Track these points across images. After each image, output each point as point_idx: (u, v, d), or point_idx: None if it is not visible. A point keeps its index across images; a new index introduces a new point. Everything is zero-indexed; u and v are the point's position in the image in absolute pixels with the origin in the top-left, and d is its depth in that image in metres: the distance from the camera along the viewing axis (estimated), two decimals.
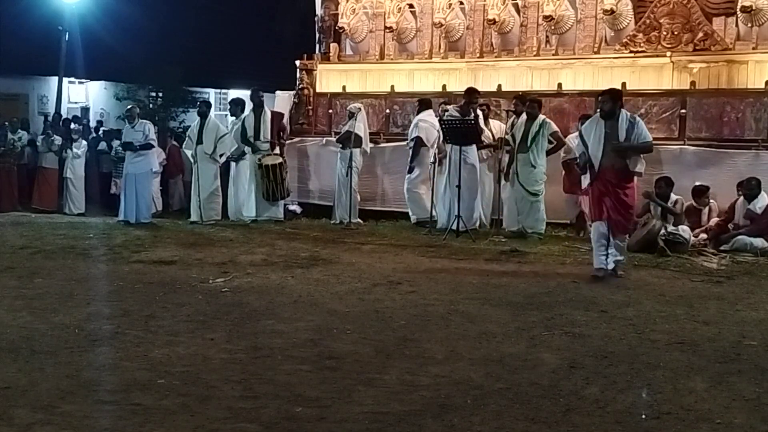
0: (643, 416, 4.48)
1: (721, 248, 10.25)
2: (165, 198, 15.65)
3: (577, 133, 11.62)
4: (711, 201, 11.09)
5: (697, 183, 11.09)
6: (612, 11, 13.19)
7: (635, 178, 8.86)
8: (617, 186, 8.63)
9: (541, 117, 11.39)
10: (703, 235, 10.74)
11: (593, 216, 8.96)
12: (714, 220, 10.87)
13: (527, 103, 11.55)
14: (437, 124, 12.24)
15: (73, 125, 16.33)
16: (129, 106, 14.00)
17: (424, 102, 12.92)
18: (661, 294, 7.74)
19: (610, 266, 8.59)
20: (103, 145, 15.75)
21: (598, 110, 8.95)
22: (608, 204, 8.60)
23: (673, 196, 10.67)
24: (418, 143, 12.42)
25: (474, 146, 11.65)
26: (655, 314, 6.88)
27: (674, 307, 7.17)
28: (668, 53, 12.60)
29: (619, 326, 6.46)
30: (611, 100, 8.73)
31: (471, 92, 11.87)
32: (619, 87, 12.52)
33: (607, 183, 8.64)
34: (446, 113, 11.79)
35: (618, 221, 8.64)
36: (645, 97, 12.31)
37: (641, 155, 8.75)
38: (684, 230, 10.36)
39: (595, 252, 8.79)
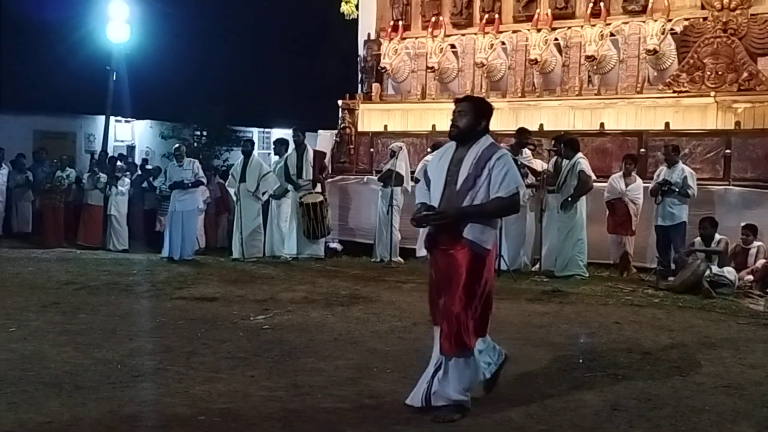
0: None
1: None
2: (209, 235, 15.75)
3: (620, 173, 11.63)
4: (758, 242, 10.95)
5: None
6: (655, 51, 13.16)
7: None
8: (452, 262, 4.98)
9: (577, 156, 11.35)
10: (749, 277, 10.60)
11: (431, 315, 5.28)
12: (761, 262, 10.71)
13: (561, 143, 11.58)
14: None
15: (118, 163, 16.56)
16: (176, 145, 14.22)
17: (434, 145, 13.18)
18: (707, 336, 7.62)
19: (438, 400, 5.03)
20: (144, 183, 15.93)
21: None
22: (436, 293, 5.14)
23: (717, 236, 10.58)
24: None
25: None
26: (700, 357, 6.78)
27: (720, 349, 7.06)
28: (712, 93, 12.51)
29: (663, 368, 6.37)
30: (473, 112, 5.18)
31: (522, 132, 11.98)
32: (661, 127, 12.60)
33: (438, 256, 5.13)
34: None
35: (445, 323, 4.97)
36: (689, 137, 12.24)
37: (498, 216, 5.43)
38: (729, 272, 10.25)
39: (425, 374, 5.21)
